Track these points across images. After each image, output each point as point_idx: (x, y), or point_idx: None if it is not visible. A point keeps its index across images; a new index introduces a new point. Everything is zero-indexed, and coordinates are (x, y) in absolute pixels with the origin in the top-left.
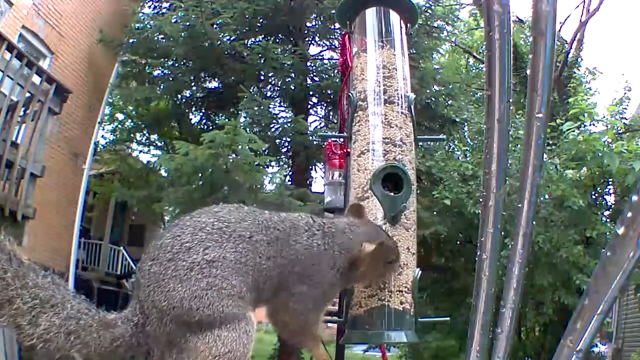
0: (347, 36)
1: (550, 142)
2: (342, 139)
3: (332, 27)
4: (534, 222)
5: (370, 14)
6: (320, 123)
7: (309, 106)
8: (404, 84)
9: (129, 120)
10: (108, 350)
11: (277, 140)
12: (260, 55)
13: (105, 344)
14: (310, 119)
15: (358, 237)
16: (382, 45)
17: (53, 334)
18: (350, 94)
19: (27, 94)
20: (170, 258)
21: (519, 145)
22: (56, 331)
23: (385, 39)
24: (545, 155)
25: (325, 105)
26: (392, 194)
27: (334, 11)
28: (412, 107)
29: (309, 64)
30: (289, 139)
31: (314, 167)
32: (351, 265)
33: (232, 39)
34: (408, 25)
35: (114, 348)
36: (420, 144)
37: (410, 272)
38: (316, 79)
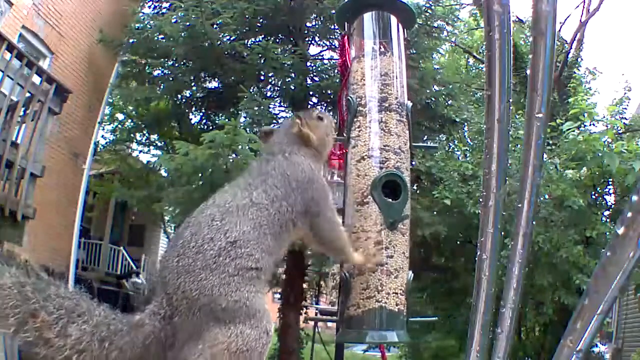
0: (346, 37)
1: (550, 142)
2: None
3: (332, 27)
4: (534, 222)
5: (369, 17)
6: None
7: (309, 106)
8: (402, 91)
9: (129, 120)
10: (141, 350)
11: None
12: (260, 55)
13: (138, 344)
14: None
15: (291, 137)
16: (383, 51)
17: (86, 343)
18: (349, 98)
19: (27, 94)
20: (196, 251)
21: (519, 145)
22: (89, 339)
23: (384, 44)
24: (545, 155)
25: (325, 105)
26: (391, 200)
27: (334, 11)
28: (409, 114)
29: (309, 64)
30: None
31: None
32: (314, 155)
33: (232, 39)
34: (405, 29)
35: (146, 346)
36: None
37: (404, 274)
38: (316, 79)
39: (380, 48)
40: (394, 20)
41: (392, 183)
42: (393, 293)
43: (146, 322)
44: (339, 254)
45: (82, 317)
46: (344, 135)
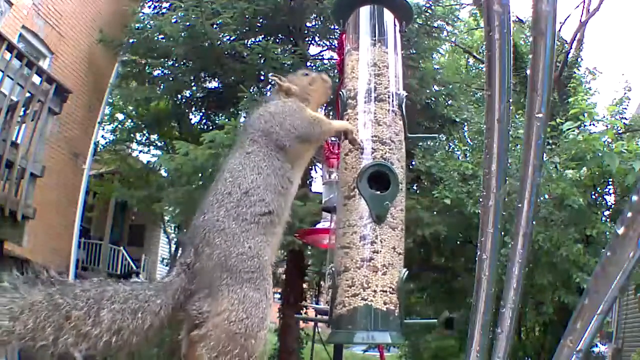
0: (344, 35)
1: (550, 142)
2: (336, 138)
3: (332, 27)
4: (534, 222)
5: (364, 12)
6: None
7: None
8: (395, 82)
9: (129, 120)
10: (173, 306)
11: None
12: (260, 55)
13: (169, 302)
14: None
15: (276, 94)
16: (374, 43)
17: (120, 321)
18: (341, 92)
19: (27, 94)
20: (219, 205)
21: (519, 145)
22: (121, 317)
23: (378, 37)
24: (545, 155)
25: (325, 105)
26: (377, 192)
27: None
28: (403, 105)
29: (309, 64)
30: None
31: (313, 167)
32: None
33: (232, 39)
34: (403, 24)
35: (177, 301)
36: (420, 143)
37: (395, 272)
38: None
39: (372, 40)
40: (389, 14)
41: (382, 175)
42: (381, 291)
43: (173, 278)
44: (324, 134)
45: (111, 300)
46: None
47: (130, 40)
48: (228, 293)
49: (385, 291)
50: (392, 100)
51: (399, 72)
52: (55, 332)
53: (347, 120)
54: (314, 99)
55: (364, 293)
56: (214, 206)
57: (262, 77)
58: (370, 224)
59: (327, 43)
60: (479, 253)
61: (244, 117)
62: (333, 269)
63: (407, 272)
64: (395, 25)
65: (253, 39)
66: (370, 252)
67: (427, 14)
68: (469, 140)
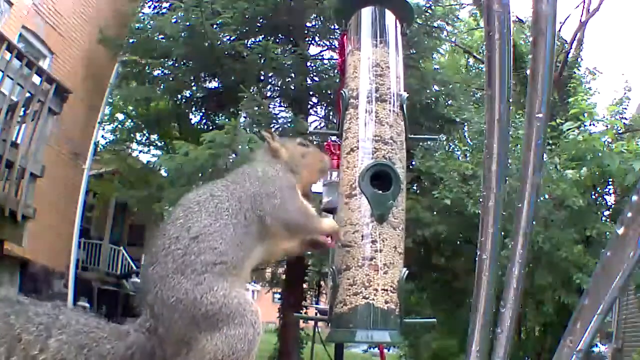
0: (345, 36)
1: (550, 142)
2: (337, 138)
3: (332, 27)
4: (534, 222)
5: (366, 13)
6: (320, 123)
7: (309, 106)
8: (397, 82)
9: (129, 120)
10: (124, 359)
11: None
12: (260, 55)
13: (120, 353)
14: (310, 119)
15: (265, 152)
16: (376, 43)
17: (65, 351)
18: (342, 92)
19: (27, 94)
20: (165, 253)
21: (519, 145)
22: (67, 348)
23: (380, 38)
24: (545, 155)
25: (325, 105)
26: (379, 192)
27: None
28: (405, 106)
29: (309, 64)
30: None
31: None
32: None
33: (232, 39)
34: (404, 24)
35: (129, 356)
36: (420, 143)
37: (396, 271)
38: (316, 79)
39: (374, 41)
40: (390, 15)
41: (383, 174)
42: (382, 289)
43: (131, 332)
44: (310, 231)
45: (61, 329)
46: (338, 130)
47: (130, 40)
48: (208, 340)
49: (387, 290)
50: (394, 101)
51: (400, 72)
52: (7, 352)
53: (349, 119)
54: (303, 175)
55: (365, 292)
56: (162, 254)
57: (262, 77)
58: (372, 223)
59: (327, 43)
60: (479, 253)
61: (244, 117)
62: (334, 267)
63: (407, 271)
64: (396, 26)
65: (253, 39)
66: (371, 251)
67: (427, 14)
68: (469, 140)
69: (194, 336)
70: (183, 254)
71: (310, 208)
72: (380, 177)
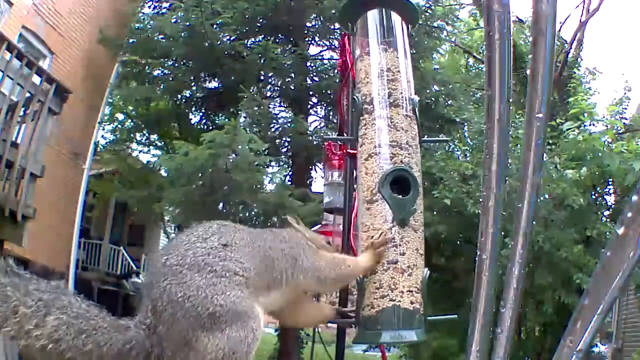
0: (346, 37)
1: (550, 142)
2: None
3: (332, 27)
4: (534, 222)
5: (372, 16)
6: (320, 123)
7: (309, 106)
8: (408, 86)
9: (129, 120)
10: (121, 353)
11: (277, 140)
12: (260, 55)
13: (118, 346)
14: (310, 119)
15: None
16: (386, 48)
17: (63, 332)
18: (355, 97)
19: (27, 94)
20: (187, 247)
21: (519, 145)
22: (66, 329)
23: (388, 41)
24: (545, 155)
25: (325, 105)
26: (400, 196)
27: (334, 11)
28: (417, 109)
29: (309, 64)
30: (289, 139)
31: (314, 167)
32: None
33: (232, 39)
34: (409, 26)
35: (126, 351)
36: (420, 144)
37: (419, 272)
38: (316, 79)
39: (383, 45)
40: (397, 17)
41: (401, 179)
42: (407, 291)
43: (131, 327)
44: (348, 279)
45: (62, 309)
46: (345, 134)
47: (130, 40)
48: (210, 339)
49: (412, 291)
50: (407, 105)
51: (410, 76)
52: (0, 322)
53: (364, 125)
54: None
55: (392, 294)
56: (183, 247)
57: (262, 77)
58: (394, 227)
59: (327, 43)
60: (479, 253)
61: (244, 117)
62: None
63: (428, 271)
64: (403, 28)
65: (253, 39)
66: (396, 254)
67: (427, 14)
68: (469, 140)
69: (196, 335)
70: (207, 253)
71: (331, 258)
72: (398, 182)
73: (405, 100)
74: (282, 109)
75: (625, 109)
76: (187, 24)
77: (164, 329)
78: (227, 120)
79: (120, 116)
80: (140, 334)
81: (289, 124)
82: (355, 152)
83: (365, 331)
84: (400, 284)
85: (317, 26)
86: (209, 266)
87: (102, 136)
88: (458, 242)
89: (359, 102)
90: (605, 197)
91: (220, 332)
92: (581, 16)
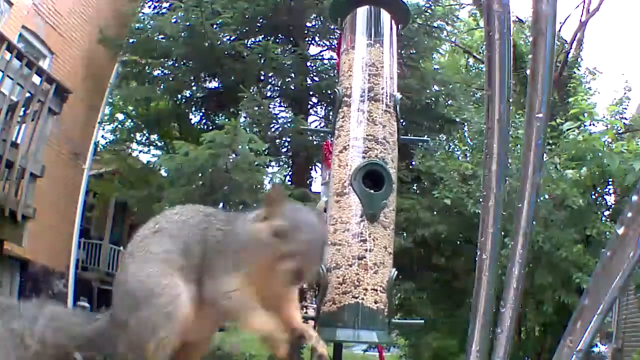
0: (341, 35)
1: (550, 142)
2: (330, 135)
3: (332, 27)
4: (534, 222)
5: (361, 12)
6: (320, 123)
7: (309, 106)
8: (391, 82)
9: (129, 120)
10: (92, 340)
11: (277, 140)
12: (260, 55)
13: (86, 335)
14: (310, 119)
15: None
16: (371, 43)
17: (48, 335)
18: (336, 90)
19: (27, 94)
20: (131, 241)
21: (519, 145)
22: (49, 332)
23: (375, 38)
24: (545, 155)
25: (325, 105)
26: (372, 191)
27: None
28: (398, 106)
29: (309, 64)
30: (289, 139)
31: (314, 167)
32: None
33: (232, 39)
34: (400, 25)
35: (92, 339)
36: (420, 144)
37: (386, 271)
38: (316, 79)
39: (369, 41)
40: (386, 15)
41: (375, 174)
42: (372, 289)
43: (99, 318)
44: (226, 318)
45: (42, 318)
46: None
47: (130, 40)
48: (131, 320)
49: (376, 290)
50: (388, 101)
51: (394, 73)
52: (15, 352)
53: (342, 118)
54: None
55: (354, 291)
56: (131, 246)
57: (262, 77)
58: (363, 222)
59: (327, 43)
60: (479, 253)
61: (244, 117)
62: (323, 265)
63: (396, 272)
64: (392, 26)
65: (253, 39)
66: (362, 250)
67: (427, 14)
68: (469, 140)
69: (127, 318)
70: (140, 240)
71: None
72: (372, 177)
73: (386, 96)
74: (282, 109)
75: (625, 109)
76: (187, 24)
77: (114, 312)
78: (227, 120)
79: (120, 116)
80: (104, 322)
81: (289, 124)
82: None
83: (324, 328)
84: (365, 281)
85: (317, 26)
86: (142, 250)
87: (102, 136)
88: (458, 242)
89: (339, 94)
90: (605, 197)
91: (138, 312)
92: (581, 16)
